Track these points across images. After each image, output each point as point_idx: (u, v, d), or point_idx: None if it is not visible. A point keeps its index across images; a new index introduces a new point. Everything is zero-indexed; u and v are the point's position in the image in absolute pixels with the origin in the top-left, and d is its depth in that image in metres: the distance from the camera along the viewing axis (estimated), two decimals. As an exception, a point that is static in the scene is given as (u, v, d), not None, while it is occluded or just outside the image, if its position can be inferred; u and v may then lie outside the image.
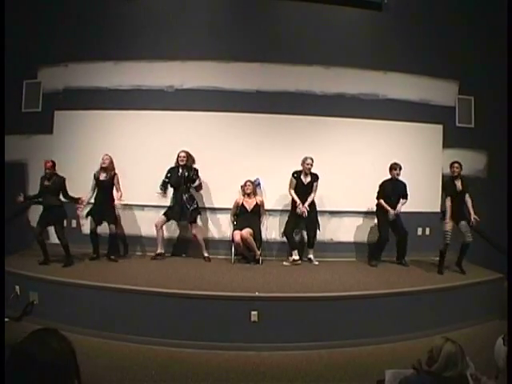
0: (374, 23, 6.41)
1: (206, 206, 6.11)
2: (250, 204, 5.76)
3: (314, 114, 6.13)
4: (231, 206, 5.89)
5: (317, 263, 5.71)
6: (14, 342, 1.14)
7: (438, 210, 6.26)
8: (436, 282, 4.91)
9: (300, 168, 5.67)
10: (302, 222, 5.74)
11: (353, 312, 4.31)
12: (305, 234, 5.95)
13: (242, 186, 5.85)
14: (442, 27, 6.35)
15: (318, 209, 5.84)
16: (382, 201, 5.65)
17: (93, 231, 5.48)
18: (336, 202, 6.11)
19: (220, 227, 6.14)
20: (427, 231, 6.33)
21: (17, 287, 4.61)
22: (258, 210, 5.80)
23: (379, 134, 6.24)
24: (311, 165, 5.58)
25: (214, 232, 6.15)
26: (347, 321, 4.27)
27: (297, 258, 5.65)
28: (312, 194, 5.66)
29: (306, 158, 5.60)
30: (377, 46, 6.32)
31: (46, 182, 5.17)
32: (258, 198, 5.82)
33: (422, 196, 5.95)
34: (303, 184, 5.65)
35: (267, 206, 6.01)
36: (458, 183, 5.32)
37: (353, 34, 6.38)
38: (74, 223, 6.12)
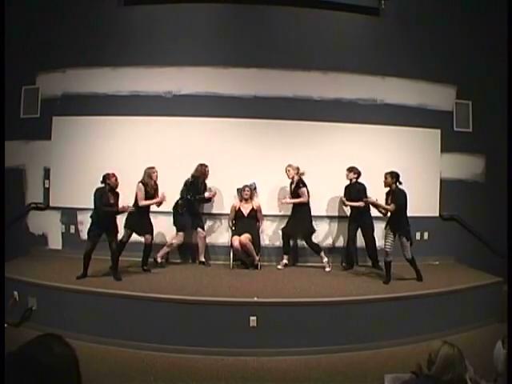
0: (372, 28, 6.43)
1: (204, 211, 6.09)
2: (246, 209, 5.75)
3: (312, 119, 6.13)
4: (228, 211, 5.89)
5: (328, 269, 5.58)
6: (16, 346, 1.14)
7: (437, 214, 6.29)
8: (436, 286, 4.90)
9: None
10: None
11: (352, 316, 4.31)
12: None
13: (238, 191, 5.84)
14: (440, 32, 6.38)
15: (318, 214, 5.86)
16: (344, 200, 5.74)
17: (125, 242, 5.28)
18: (335, 207, 6.13)
19: (218, 232, 6.12)
20: (425, 236, 6.30)
21: (15, 293, 4.60)
22: (255, 214, 5.77)
23: (377, 139, 6.24)
24: (288, 171, 5.63)
25: (212, 237, 6.12)
26: (346, 325, 4.26)
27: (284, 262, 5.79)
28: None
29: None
30: (374, 50, 6.33)
31: (112, 199, 4.85)
32: (255, 203, 5.80)
33: (420, 200, 5.92)
34: (291, 191, 5.72)
35: (266, 212, 6.00)
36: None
37: (350, 39, 6.40)
38: (72, 229, 6.14)
